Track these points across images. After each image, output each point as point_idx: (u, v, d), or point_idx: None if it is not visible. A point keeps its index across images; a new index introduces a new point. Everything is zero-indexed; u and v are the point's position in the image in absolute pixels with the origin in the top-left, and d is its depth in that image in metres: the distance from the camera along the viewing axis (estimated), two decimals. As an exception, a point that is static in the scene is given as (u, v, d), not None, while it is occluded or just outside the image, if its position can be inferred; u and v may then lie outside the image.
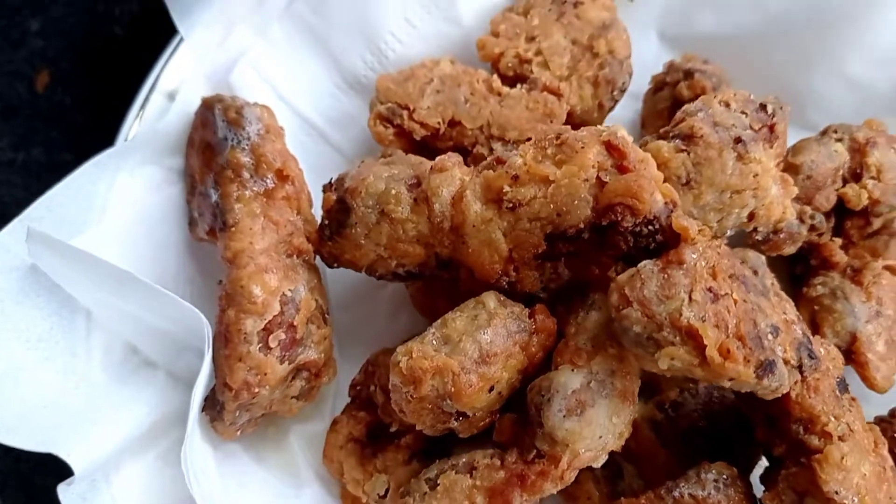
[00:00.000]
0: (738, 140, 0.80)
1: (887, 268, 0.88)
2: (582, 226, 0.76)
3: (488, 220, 0.79)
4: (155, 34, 1.21)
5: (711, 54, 1.00)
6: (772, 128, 0.83)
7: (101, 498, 0.82)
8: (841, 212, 0.92)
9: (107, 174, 0.92)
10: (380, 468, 0.86)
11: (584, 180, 0.75)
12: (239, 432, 0.88)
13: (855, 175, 0.90)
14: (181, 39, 0.98)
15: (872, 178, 0.89)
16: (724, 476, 0.78)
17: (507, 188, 0.77)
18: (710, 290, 0.70)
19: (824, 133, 0.92)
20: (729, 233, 0.86)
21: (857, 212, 0.90)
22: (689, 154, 0.81)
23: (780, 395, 0.71)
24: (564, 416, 0.74)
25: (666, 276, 0.70)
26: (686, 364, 0.68)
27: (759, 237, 0.86)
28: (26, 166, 1.20)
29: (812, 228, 0.88)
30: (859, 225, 0.91)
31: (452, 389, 0.75)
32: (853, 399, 0.79)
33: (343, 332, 0.98)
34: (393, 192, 0.83)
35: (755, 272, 0.87)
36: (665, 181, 0.80)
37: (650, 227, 0.76)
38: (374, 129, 0.95)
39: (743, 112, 0.82)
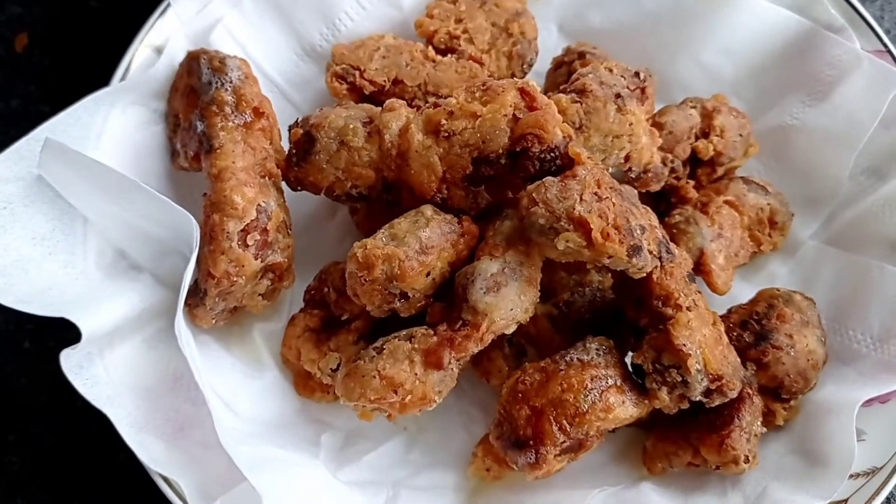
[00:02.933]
0: (618, 95, 1.05)
1: (727, 202, 1.14)
2: (501, 151, 0.99)
3: (428, 147, 1.01)
4: (127, 6, 1.39)
5: (599, 43, 1.27)
6: (643, 90, 1.09)
7: (94, 369, 0.98)
8: (694, 162, 1.18)
9: (103, 108, 1.09)
10: (332, 348, 1.05)
11: (503, 115, 0.99)
12: (214, 321, 1.06)
13: (704, 133, 1.17)
14: (167, 4, 1.17)
15: (717, 135, 1.16)
16: (604, 346, 1.01)
17: (444, 121, 1.00)
18: (595, 193, 0.93)
19: (683, 102, 1.20)
20: (610, 170, 1.11)
21: (706, 161, 1.17)
22: (581, 105, 1.05)
23: (644, 276, 0.96)
24: (485, 293, 0.96)
25: (563, 184, 0.94)
26: (577, 245, 0.91)
27: (632, 175, 1.11)
28: (4, 116, 1.34)
29: (672, 171, 1.14)
30: (707, 172, 1.18)
31: (398, 272, 0.96)
32: (699, 291, 1.04)
33: (298, 253, 1.16)
34: (351, 126, 1.04)
35: (629, 201, 1.13)
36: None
37: (552, 154, 0.99)
38: (330, 84, 1.16)
39: (622, 76, 1.08)
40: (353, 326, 1.06)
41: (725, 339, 1.02)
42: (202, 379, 0.95)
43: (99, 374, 0.98)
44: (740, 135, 1.17)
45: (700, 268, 1.11)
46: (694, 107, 1.18)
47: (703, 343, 0.96)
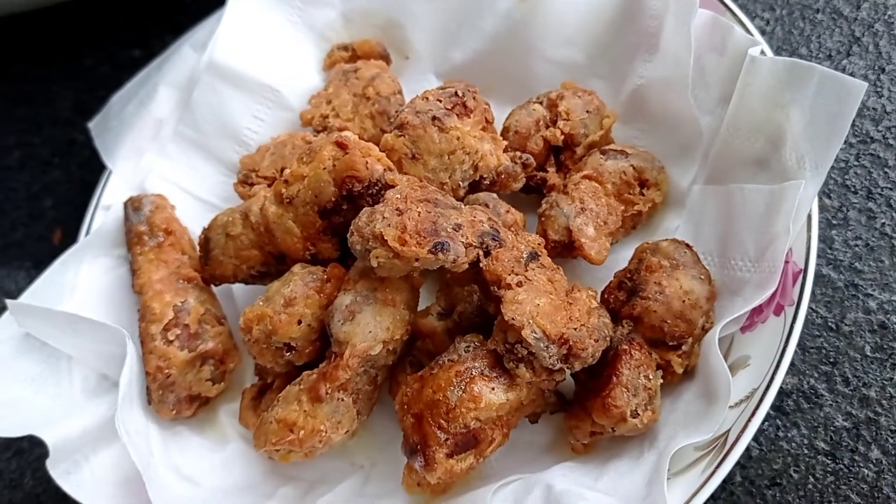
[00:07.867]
0: (434, 118, 1.15)
1: (585, 177, 1.17)
2: (334, 199, 1.12)
3: (280, 215, 1.16)
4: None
5: (469, 75, 1.37)
6: (464, 104, 1.18)
7: (81, 472, 1.19)
8: (557, 151, 1.23)
9: (71, 267, 1.35)
10: (263, 410, 1.20)
11: (323, 169, 1.12)
12: (174, 412, 1.24)
13: (554, 122, 1.22)
14: (110, 171, 1.44)
15: (564, 119, 1.21)
16: (475, 342, 1.06)
17: (283, 190, 1.15)
18: (397, 209, 1.03)
19: (527, 101, 1.26)
20: (464, 184, 1.19)
21: (564, 147, 1.22)
22: (405, 137, 1.16)
23: (465, 266, 1.03)
24: (342, 323, 1.07)
25: (372, 209, 1.05)
26: (386, 258, 1.01)
27: (487, 182, 1.19)
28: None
29: (524, 165, 1.20)
30: (569, 156, 1.22)
31: (270, 327, 1.10)
32: (557, 268, 1.08)
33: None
34: (230, 219, 1.22)
35: (486, 205, 1.19)
36: (399, 161, 1.16)
37: (376, 187, 1.11)
38: (236, 189, 1.36)
39: (438, 99, 1.18)
40: (276, 387, 1.20)
41: (587, 305, 1.04)
42: (147, 472, 1.12)
43: (84, 476, 1.19)
44: (587, 111, 1.21)
45: (574, 246, 1.14)
46: (539, 102, 1.24)
47: (535, 312, 0.99)
